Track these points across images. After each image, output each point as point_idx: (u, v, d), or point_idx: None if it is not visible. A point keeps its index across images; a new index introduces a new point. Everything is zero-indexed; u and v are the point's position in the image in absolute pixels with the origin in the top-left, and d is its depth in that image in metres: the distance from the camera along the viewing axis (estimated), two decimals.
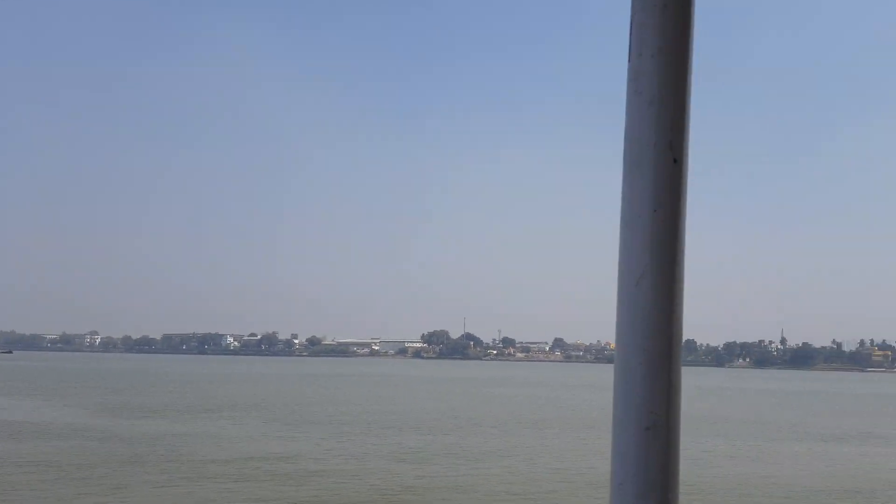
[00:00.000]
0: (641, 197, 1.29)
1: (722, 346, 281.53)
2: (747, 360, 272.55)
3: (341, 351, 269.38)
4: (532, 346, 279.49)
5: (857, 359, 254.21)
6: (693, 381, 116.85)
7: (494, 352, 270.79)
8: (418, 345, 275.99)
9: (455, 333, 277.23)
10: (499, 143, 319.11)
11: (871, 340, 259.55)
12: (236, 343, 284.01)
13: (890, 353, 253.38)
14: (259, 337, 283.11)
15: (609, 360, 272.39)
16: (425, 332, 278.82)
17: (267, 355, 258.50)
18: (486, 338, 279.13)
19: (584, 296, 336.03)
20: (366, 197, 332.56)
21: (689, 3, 1.34)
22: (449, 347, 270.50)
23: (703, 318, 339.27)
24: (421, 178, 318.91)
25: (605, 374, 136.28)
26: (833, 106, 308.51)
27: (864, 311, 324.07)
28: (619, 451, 1.25)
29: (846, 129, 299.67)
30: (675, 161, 1.30)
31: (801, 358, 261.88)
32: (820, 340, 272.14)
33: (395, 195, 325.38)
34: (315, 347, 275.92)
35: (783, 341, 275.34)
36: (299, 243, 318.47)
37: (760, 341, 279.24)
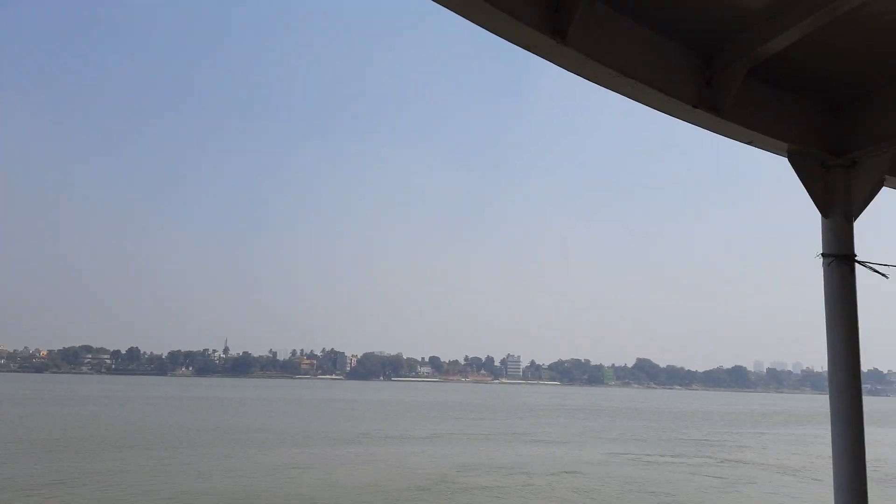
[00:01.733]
0: None
1: (166, 354, 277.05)
2: (190, 368, 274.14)
3: None
4: None
5: (289, 367, 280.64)
6: (145, 392, 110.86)
7: None
8: None
9: None
10: None
11: (301, 350, 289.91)
12: None
13: (315, 362, 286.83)
14: None
15: (38, 369, 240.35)
16: None
17: None
18: None
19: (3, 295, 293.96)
20: None
21: None
22: None
23: (148, 326, 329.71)
24: None
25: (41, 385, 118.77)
26: None
27: (296, 322, 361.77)
28: None
29: None
30: None
31: (242, 366, 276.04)
32: (259, 350, 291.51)
33: None
34: None
35: (226, 350, 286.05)
36: None
37: (205, 350, 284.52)
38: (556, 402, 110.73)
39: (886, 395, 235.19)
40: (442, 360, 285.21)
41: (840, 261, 3.44)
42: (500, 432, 47.27)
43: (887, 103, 3.45)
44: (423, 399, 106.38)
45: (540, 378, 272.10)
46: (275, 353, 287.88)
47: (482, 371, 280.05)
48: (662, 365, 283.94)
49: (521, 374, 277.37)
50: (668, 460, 34.16)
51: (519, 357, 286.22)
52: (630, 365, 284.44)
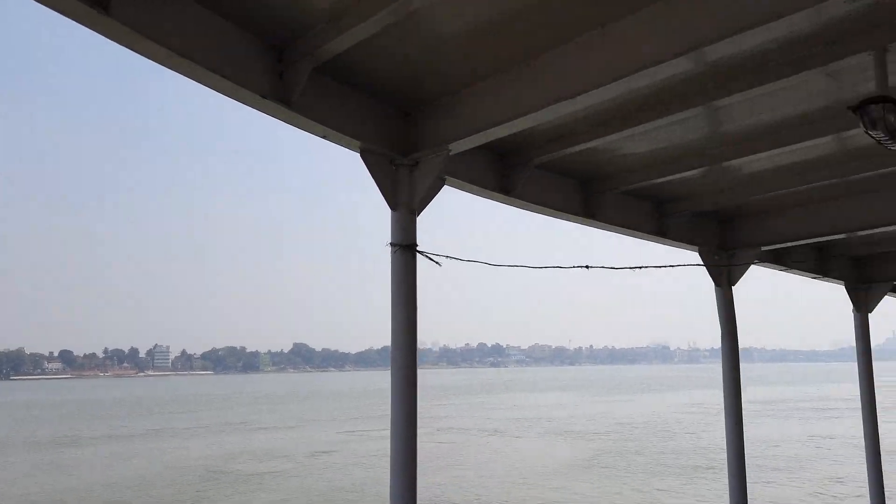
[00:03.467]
0: None
1: None
2: None
3: None
4: None
5: None
6: None
7: None
8: None
9: None
10: None
11: None
12: None
13: None
14: None
15: None
16: None
17: None
18: None
19: None
20: None
21: None
22: None
23: None
24: None
25: None
26: None
27: None
28: None
29: None
30: None
31: None
32: None
33: None
34: None
35: None
36: None
37: None
38: (231, 391, 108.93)
39: (506, 367, 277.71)
40: (75, 353, 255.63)
41: (404, 250, 3.77)
42: (217, 423, 47.00)
43: (442, 111, 3.82)
44: (81, 397, 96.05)
45: (192, 368, 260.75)
46: None
47: (125, 364, 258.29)
48: (318, 349, 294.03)
49: (170, 365, 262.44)
50: None
51: (168, 347, 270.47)
52: (287, 350, 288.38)
